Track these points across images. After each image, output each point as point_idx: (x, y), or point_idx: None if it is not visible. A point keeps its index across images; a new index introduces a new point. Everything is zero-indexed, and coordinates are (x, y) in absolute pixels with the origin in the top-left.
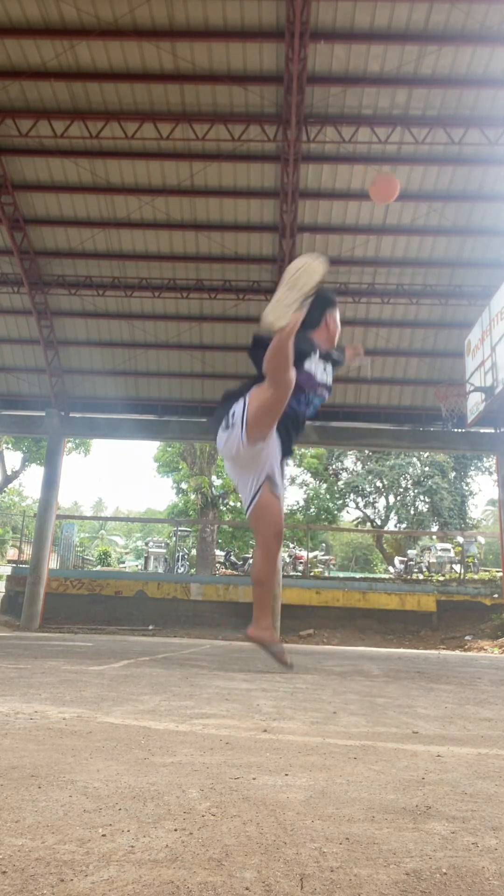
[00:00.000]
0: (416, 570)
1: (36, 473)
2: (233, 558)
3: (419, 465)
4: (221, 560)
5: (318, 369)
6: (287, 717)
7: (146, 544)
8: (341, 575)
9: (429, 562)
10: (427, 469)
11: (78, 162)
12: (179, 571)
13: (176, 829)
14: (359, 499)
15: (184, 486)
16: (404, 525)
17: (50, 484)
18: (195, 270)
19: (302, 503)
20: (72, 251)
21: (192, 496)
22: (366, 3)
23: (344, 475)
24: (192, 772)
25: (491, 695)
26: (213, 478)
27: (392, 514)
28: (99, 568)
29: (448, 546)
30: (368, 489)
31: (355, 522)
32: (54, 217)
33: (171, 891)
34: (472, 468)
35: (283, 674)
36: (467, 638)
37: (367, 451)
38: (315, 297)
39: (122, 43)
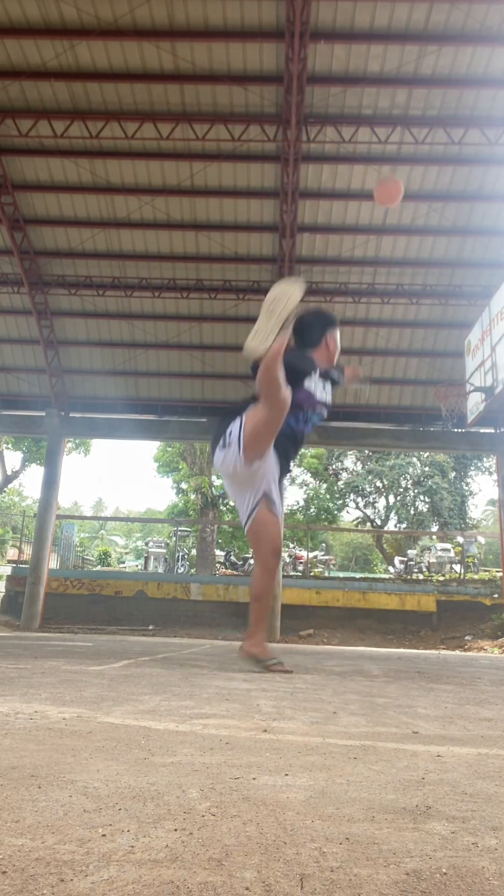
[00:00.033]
0: (416, 570)
1: (36, 473)
2: (233, 558)
3: (419, 465)
4: (221, 560)
5: (318, 388)
6: (287, 717)
7: (146, 544)
8: (341, 575)
9: (429, 562)
10: (427, 469)
11: (78, 162)
12: (179, 571)
13: (176, 829)
14: (359, 499)
15: (184, 486)
16: (404, 525)
17: (50, 484)
18: (195, 270)
19: (302, 503)
20: (72, 251)
21: (192, 496)
22: (366, 3)
23: (344, 475)
24: (192, 772)
25: (491, 695)
26: (213, 478)
27: (392, 514)
28: (99, 568)
29: (448, 546)
30: (368, 489)
31: (355, 522)
32: (54, 217)
33: (171, 891)
34: (472, 468)
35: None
36: (467, 638)
37: (367, 451)
38: (316, 317)
39: (122, 43)
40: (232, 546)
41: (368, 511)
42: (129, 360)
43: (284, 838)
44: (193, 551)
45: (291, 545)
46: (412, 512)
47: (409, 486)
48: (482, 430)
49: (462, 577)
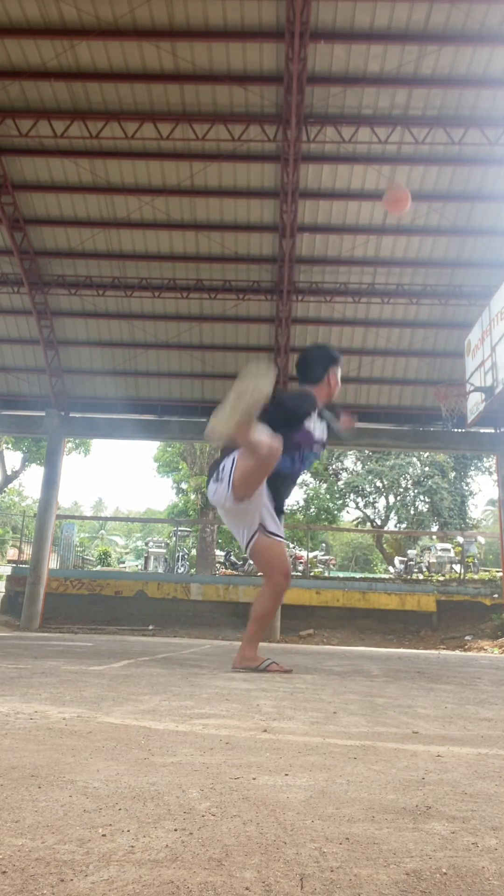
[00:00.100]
0: (416, 570)
1: (36, 473)
2: (233, 558)
3: (419, 465)
4: (221, 560)
5: (317, 427)
6: (287, 717)
7: (146, 544)
8: (341, 575)
9: (429, 562)
10: (427, 469)
11: (78, 162)
12: (179, 571)
13: (176, 829)
14: (359, 499)
15: (184, 486)
16: (404, 525)
17: (50, 484)
18: (195, 270)
19: (302, 503)
20: (72, 251)
21: (192, 496)
22: (366, 3)
23: (344, 475)
24: (192, 772)
25: (491, 695)
26: None
27: (392, 514)
28: (99, 568)
29: (448, 546)
30: (368, 489)
31: (355, 522)
32: (54, 217)
33: (171, 891)
34: (472, 468)
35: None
36: (467, 638)
37: (367, 451)
38: (320, 353)
39: (122, 43)
40: (232, 546)
41: (368, 511)
42: (129, 360)
43: (284, 838)
44: (193, 551)
45: (291, 545)
46: (412, 512)
47: (409, 486)
48: (482, 430)
49: (462, 577)
